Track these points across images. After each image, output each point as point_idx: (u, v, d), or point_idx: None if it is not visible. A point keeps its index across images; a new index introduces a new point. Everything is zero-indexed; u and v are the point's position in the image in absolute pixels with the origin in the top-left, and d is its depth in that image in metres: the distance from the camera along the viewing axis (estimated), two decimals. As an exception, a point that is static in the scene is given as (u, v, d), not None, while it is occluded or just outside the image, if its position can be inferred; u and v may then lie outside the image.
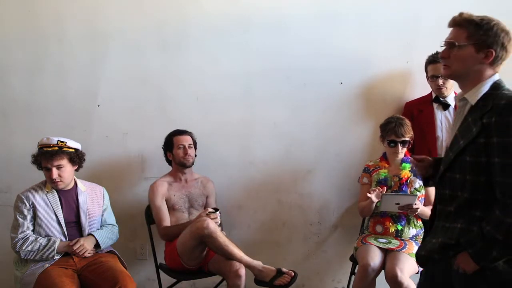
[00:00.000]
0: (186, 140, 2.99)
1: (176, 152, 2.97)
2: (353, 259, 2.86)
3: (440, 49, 1.75)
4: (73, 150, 2.65)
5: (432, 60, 2.87)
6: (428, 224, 1.83)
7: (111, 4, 3.20)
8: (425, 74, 3.00)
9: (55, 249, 2.54)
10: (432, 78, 2.89)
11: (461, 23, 1.70)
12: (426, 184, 2.05)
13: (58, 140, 2.61)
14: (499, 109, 1.54)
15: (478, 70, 1.66)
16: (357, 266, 2.68)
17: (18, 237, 2.55)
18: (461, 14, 1.73)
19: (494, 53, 1.63)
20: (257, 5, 3.15)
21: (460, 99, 1.71)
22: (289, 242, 3.25)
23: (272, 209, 3.26)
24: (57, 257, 2.56)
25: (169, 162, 3.06)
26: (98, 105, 3.24)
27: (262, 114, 3.21)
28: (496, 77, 1.66)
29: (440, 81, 2.85)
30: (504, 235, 1.49)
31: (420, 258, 1.74)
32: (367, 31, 3.15)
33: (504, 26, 1.68)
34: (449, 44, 1.69)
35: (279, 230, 3.28)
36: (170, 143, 3.00)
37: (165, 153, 3.04)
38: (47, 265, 2.51)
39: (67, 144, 2.63)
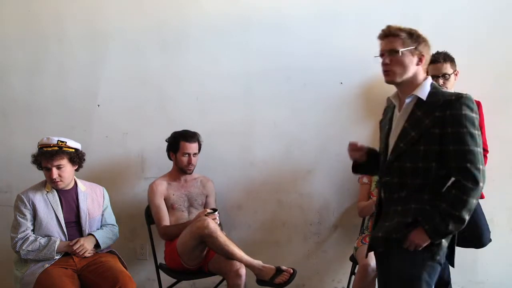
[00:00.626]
0: (192, 149, 2.95)
1: (180, 158, 2.96)
2: (353, 259, 2.86)
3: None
4: (73, 150, 2.65)
5: (433, 60, 2.85)
6: (376, 212, 2.02)
7: (111, 4, 3.20)
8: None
9: (55, 249, 2.54)
10: (432, 78, 2.88)
11: (395, 33, 1.91)
12: (355, 171, 2.18)
13: (58, 140, 2.61)
14: (451, 104, 1.79)
15: (415, 72, 1.91)
16: (357, 266, 2.68)
17: (18, 237, 2.55)
18: (390, 26, 1.94)
19: (424, 56, 1.91)
20: (257, 5, 3.16)
21: (406, 97, 1.91)
22: (289, 242, 3.25)
23: (272, 209, 3.26)
24: (57, 257, 2.56)
25: (170, 158, 3.05)
26: (98, 105, 3.24)
27: (262, 114, 3.21)
28: (430, 79, 1.93)
29: (441, 81, 2.85)
30: (460, 211, 1.76)
31: (376, 239, 1.90)
32: (367, 31, 3.11)
33: (423, 34, 1.93)
34: (391, 51, 1.90)
35: (279, 230, 3.27)
36: (176, 145, 2.96)
37: (168, 150, 3.03)
38: (47, 265, 2.51)
39: (67, 144, 2.63)
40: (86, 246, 2.61)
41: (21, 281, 2.52)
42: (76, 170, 2.72)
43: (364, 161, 2.10)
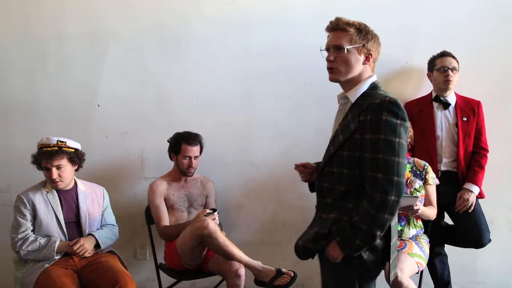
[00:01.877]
0: (194, 152, 2.94)
1: (181, 161, 2.95)
2: (353, 259, 2.86)
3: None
4: (73, 150, 2.65)
5: (442, 54, 2.93)
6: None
7: (111, 4, 3.20)
8: (426, 72, 3.01)
9: (55, 249, 2.54)
10: (440, 69, 2.89)
11: (343, 27, 1.78)
12: (311, 190, 2.00)
13: (58, 140, 2.60)
14: (373, 108, 1.66)
15: (360, 71, 1.78)
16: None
17: (18, 237, 2.55)
18: (340, 18, 1.82)
19: (372, 55, 1.79)
20: (257, 5, 3.15)
21: (342, 97, 1.83)
22: (289, 242, 3.23)
23: (272, 209, 3.26)
24: (57, 257, 2.56)
25: (171, 159, 3.05)
26: (98, 105, 3.24)
27: (262, 114, 3.21)
28: (374, 78, 1.81)
29: (450, 73, 2.87)
30: (368, 225, 1.62)
31: (296, 248, 1.83)
32: (367, 31, 3.15)
33: (373, 30, 1.82)
34: (336, 47, 1.77)
35: (279, 230, 3.27)
36: (178, 147, 2.95)
37: (169, 151, 3.03)
38: (47, 265, 2.52)
39: (66, 144, 2.62)
40: (86, 246, 2.61)
41: (21, 281, 2.53)
42: (76, 170, 2.72)
43: (314, 178, 1.93)
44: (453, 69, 2.88)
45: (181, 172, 2.98)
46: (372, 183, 1.63)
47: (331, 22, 1.83)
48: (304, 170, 1.95)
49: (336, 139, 1.76)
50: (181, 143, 2.94)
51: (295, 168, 1.97)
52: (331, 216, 1.74)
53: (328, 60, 1.81)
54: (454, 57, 2.92)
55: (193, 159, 2.95)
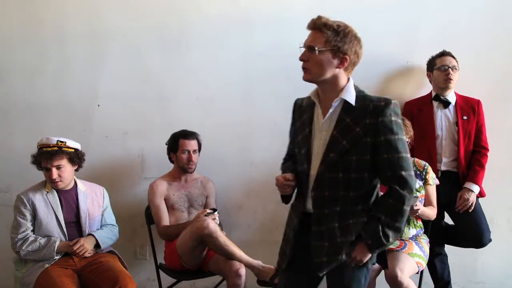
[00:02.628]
0: (192, 146, 2.96)
1: (180, 156, 2.96)
2: (353, 259, 2.86)
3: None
4: (73, 150, 2.65)
5: (442, 54, 2.93)
6: (295, 227, 1.86)
7: (111, 4, 3.20)
8: (425, 72, 3.01)
9: (55, 249, 2.54)
10: (440, 68, 2.89)
11: (320, 27, 1.73)
12: (286, 201, 1.94)
13: (57, 140, 2.60)
14: (381, 111, 1.69)
15: (334, 75, 1.74)
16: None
17: (18, 237, 2.55)
18: (320, 18, 1.76)
19: (348, 59, 1.72)
20: (257, 5, 3.15)
21: (334, 100, 1.75)
22: (289, 242, 3.25)
23: (272, 209, 3.25)
24: (57, 257, 2.56)
25: (171, 160, 3.05)
26: (98, 105, 3.24)
27: (262, 114, 3.20)
28: (352, 81, 1.78)
29: (451, 71, 2.87)
30: (400, 221, 1.71)
31: (321, 264, 1.75)
32: (367, 31, 3.12)
33: (356, 32, 1.75)
34: (309, 47, 1.74)
35: (279, 230, 3.22)
36: (176, 144, 2.97)
37: (168, 152, 3.03)
38: (47, 265, 2.52)
39: (66, 144, 2.62)
40: (86, 246, 2.61)
41: (21, 281, 2.53)
42: (76, 170, 2.71)
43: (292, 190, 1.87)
44: (453, 67, 2.89)
45: (181, 170, 2.98)
46: (397, 181, 1.71)
47: (312, 20, 1.78)
48: (286, 183, 1.83)
49: (337, 145, 1.72)
50: (178, 139, 2.96)
51: (282, 184, 1.83)
52: (349, 223, 1.74)
53: (300, 59, 1.78)
54: (453, 57, 2.92)
55: (192, 153, 2.95)
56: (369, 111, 1.71)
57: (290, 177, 1.82)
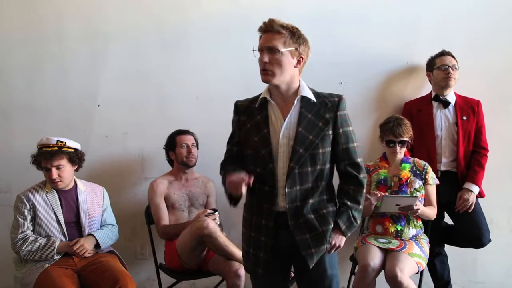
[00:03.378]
0: (189, 140, 2.99)
1: (179, 151, 2.97)
2: (353, 259, 2.86)
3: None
4: (73, 150, 2.65)
5: (441, 54, 2.94)
6: (269, 224, 1.89)
7: (111, 4, 3.20)
8: (425, 72, 3.01)
9: (55, 249, 2.55)
10: (441, 68, 2.89)
11: (277, 29, 1.80)
12: (236, 203, 1.95)
13: (57, 140, 2.61)
14: (337, 106, 1.86)
15: (293, 74, 1.85)
16: (357, 266, 2.68)
17: (18, 237, 2.55)
18: (273, 20, 1.82)
19: (303, 59, 1.85)
20: (257, 5, 3.15)
21: (295, 98, 1.86)
22: (289, 242, 3.25)
23: (272, 209, 3.25)
24: (57, 257, 2.57)
25: (170, 162, 3.06)
26: (98, 105, 3.24)
27: (262, 114, 3.20)
28: (302, 80, 1.91)
29: (451, 70, 2.87)
30: (362, 203, 1.91)
31: (312, 256, 1.87)
32: (367, 31, 3.15)
33: (304, 34, 1.86)
34: (270, 49, 1.79)
35: (279, 230, 3.26)
36: (173, 142, 2.99)
37: (167, 153, 3.04)
38: (47, 265, 2.52)
39: (66, 144, 2.63)
40: (86, 246, 2.61)
41: (21, 281, 2.53)
42: (76, 170, 2.72)
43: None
44: (453, 67, 2.89)
45: (182, 165, 2.98)
46: (356, 167, 1.90)
47: (264, 23, 1.84)
48: (239, 184, 1.81)
49: (304, 140, 1.82)
50: (175, 136, 2.99)
51: (239, 182, 1.81)
52: (323, 212, 1.88)
53: (262, 61, 1.81)
54: (453, 56, 2.93)
55: (190, 146, 2.96)
56: (327, 106, 1.86)
57: (245, 176, 1.82)
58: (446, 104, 2.94)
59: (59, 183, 2.61)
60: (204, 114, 3.21)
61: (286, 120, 1.85)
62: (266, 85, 1.93)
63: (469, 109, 2.93)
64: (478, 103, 2.96)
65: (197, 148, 3.04)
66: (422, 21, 3.13)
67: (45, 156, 2.57)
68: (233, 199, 1.95)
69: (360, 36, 3.14)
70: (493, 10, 3.11)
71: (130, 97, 3.22)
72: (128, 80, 3.22)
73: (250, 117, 1.93)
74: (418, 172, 2.72)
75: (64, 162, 2.60)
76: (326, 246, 1.87)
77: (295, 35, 1.81)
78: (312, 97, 1.87)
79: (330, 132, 1.85)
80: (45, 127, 3.16)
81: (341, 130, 1.87)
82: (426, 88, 3.08)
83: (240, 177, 1.81)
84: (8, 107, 3.25)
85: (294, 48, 1.81)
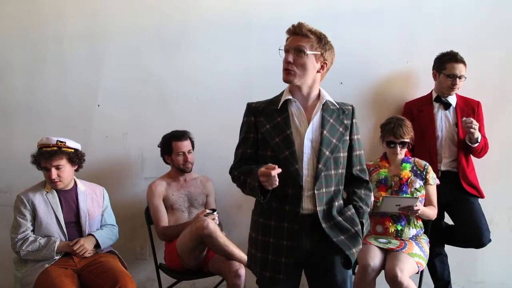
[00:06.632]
0: (186, 146, 2.95)
1: (175, 158, 2.96)
2: (353, 259, 2.86)
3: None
4: (73, 150, 2.65)
5: (455, 59, 2.86)
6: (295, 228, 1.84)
7: (111, 4, 3.20)
8: (426, 72, 3.01)
9: (55, 249, 2.55)
10: (449, 76, 2.87)
11: (305, 33, 1.82)
12: (265, 197, 1.81)
13: (57, 140, 2.61)
14: (352, 113, 1.94)
15: (314, 79, 1.88)
16: (357, 266, 2.68)
17: (18, 237, 2.55)
18: (302, 24, 1.84)
19: (327, 65, 1.88)
20: (257, 4, 3.16)
21: (319, 101, 1.89)
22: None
23: (272, 209, 3.25)
24: (57, 257, 2.56)
25: (166, 162, 3.05)
26: (98, 105, 3.24)
27: (262, 114, 3.20)
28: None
29: (458, 80, 2.86)
30: (369, 206, 1.98)
31: (354, 255, 1.88)
32: (367, 31, 3.15)
33: (331, 42, 1.89)
34: (297, 49, 1.82)
35: (279, 230, 3.26)
36: (169, 147, 2.96)
37: (162, 155, 3.03)
38: (47, 265, 2.52)
39: (66, 144, 2.63)
40: (86, 246, 2.61)
41: (21, 281, 2.53)
42: (76, 170, 2.72)
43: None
44: (461, 77, 2.87)
45: (179, 170, 2.98)
46: (365, 173, 2.00)
47: (293, 25, 1.86)
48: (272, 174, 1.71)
49: (329, 143, 1.85)
50: (171, 142, 2.95)
51: (272, 174, 1.69)
52: (348, 214, 1.90)
53: (286, 61, 1.84)
54: (465, 63, 2.86)
55: (187, 153, 2.95)
56: (345, 113, 1.92)
57: (275, 167, 1.71)
58: (447, 105, 2.95)
59: (59, 183, 2.61)
60: (204, 113, 3.21)
61: (311, 122, 1.86)
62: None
63: (469, 110, 2.94)
64: (478, 103, 2.96)
65: (193, 148, 3.03)
66: (423, 22, 3.13)
67: (45, 156, 2.57)
68: (265, 192, 1.80)
69: (360, 36, 3.14)
70: (494, 10, 3.11)
71: (130, 97, 3.22)
72: (128, 80, 3.22)
73: (269, 118, 1.91)
74: (418, 172, 2.72)
75: (63, 162, 2.60)
76: (361, 246, 1.91)
77: (322, 41, 1.84)
78: (333, 102, 1.91)
79: (347, 137, 1.91)
80: (45, 127, 3.16)
81: (355, 137, 1.94)
82: (426, 88, 3.08)
83: (273, 167, 1.70)
84: (8, 107, 3.25)
85: (319, 52, 1.83)
